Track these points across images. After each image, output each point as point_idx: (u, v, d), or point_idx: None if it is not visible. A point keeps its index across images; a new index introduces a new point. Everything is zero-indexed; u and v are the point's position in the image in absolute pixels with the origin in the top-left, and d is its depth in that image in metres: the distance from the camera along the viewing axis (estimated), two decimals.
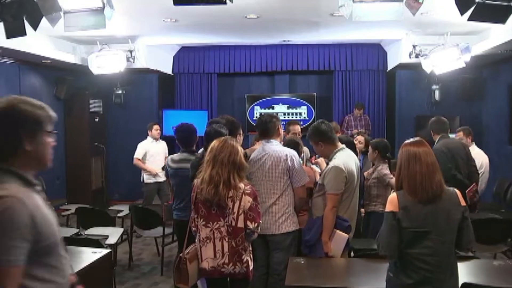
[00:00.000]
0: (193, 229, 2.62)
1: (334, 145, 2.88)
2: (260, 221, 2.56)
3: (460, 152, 3.74)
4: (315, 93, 7.89)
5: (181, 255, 2.60)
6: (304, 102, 7.86)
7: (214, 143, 2.56)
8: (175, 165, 3.39)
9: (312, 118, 7.79)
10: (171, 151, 5.58)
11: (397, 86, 7.21)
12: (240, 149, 2.57)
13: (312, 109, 7.87)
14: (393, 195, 2.01)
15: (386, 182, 3.69)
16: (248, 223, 2.49)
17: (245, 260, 2.51)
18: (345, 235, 2.69)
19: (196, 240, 2.60)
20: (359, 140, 4.39)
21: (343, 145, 2.94)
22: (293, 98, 7.91)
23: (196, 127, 3.51)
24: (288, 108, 7.83)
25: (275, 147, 3.01)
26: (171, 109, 7.76)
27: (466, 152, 3.82)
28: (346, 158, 2.81)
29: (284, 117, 7.67)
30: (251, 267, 2.56)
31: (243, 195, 2.48)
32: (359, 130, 6.90)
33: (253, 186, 2.60)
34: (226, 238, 2.48)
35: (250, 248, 2.59)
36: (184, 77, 7.98)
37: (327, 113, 7.74)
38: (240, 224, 2.48)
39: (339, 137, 3.04)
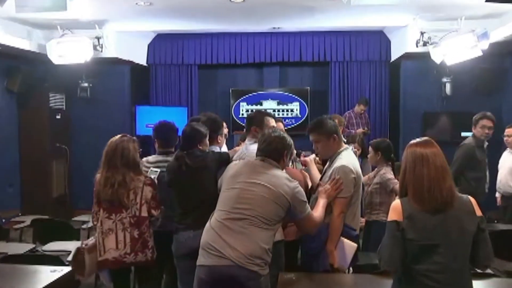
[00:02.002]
0: (94, 223, 3.03)
1: (341, 144, 2.90)
2: (162, 207, 3.03)
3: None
4: (308, 88, 7.98)
5: (79, 246, 2.95)
6: (296, 97, 7.94)
7: (107, 147, 2.96)
8: (157, 170, 3.40)
9: (305, 116, 7.91)
10: (145, 153, 5.54)
11: (402, 79, 7.24)
12: (132, 147, 2.96)
13: (306, 105, 7.94)
14: (396, 202, 2.00)
15: (389, 188, 3.70)
16: (153, 211, 2.99)
17: (150, 246, 2.98)
18: (354, 245, 2.69)
19: (97, 233, 2.97)
20: (356, 148, 4.43)
21: (348, 146, 2.97)
22: (284, 93, 7.99)
23: (177, 127, 3.53)
24: (278, 104, 7.93)
25: (252, 145, 3.02)
26: (145, 105, 7.79)
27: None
28: (352, 159, 2.84)
29: (274, 114, 7.59)
30: (155, 254, 3.00)
31: (144, 186, 2.96)
32: (365, 130, 7.03)
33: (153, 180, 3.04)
34: (129, 229, 2.91)
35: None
36: (160, 69, 8.01)
37: (322, 110, 7.77)
38: (144, 213, 2.95)
39: None
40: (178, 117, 6.75)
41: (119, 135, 3.06)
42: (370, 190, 3.78)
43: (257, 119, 3.15)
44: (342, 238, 2.69)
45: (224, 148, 3.53)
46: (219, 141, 3.37)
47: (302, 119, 7.90)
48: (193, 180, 2.91)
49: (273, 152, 2.58)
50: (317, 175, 3.02)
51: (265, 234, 2.37)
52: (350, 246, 2.68)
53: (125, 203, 2.90)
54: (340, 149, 2.86)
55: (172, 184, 3.02)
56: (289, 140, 2.63)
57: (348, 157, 2.81)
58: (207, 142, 3.12)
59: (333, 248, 2.67)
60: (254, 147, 2.91)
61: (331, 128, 2.85)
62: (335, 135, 2.85)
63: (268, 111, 6.77)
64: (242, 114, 7.80)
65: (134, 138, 3.10)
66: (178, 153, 3.00)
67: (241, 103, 8.04)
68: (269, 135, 2.61)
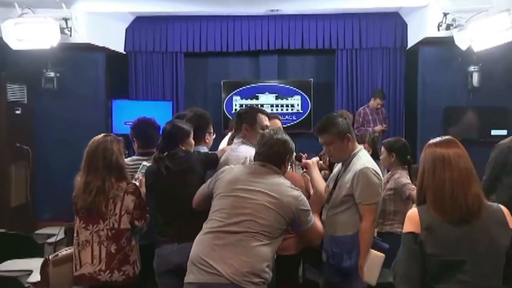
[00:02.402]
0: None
1: (355, 144, 2.95)
2: (148, 216, 3.01)
3: None
4: (311, 79, 7.98)
5: (47, 256, 2.98)
6: (297, 90, 7.95)
7: (88, 148, 2.98)
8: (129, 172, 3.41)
9: (308, 112, 7.93)
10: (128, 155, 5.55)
11: (421, 68, 7.19)
12: (116, 148, 2.97)
13: (308, 99, 7.95)
14: (413, 211, 2.00)
15: (405, 195, 3.73)
16: (136, 222, 2.98)
17: (132, 260, 2.98)
18: (381, 255, 2.74)
19: (74, 244, 2.99)
20: (366, 149, 4.40)
21: (361, 146, 3.01)
22: (284, 86, 7.99)
23: (158, 124, 3.55)
24: (276, 98, 7.94)
25: (245, 149, 3.07)
26: (123, 98, 7.75)
27: None
28: (372, 161, 2.90)
29: (272, 110, 7.74)
30: (138, 269, 3.00)
31: (125, 195, 2.95)
32: (384, 127, 7.15)
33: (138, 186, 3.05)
34: (105, 243, 2.91)
35: (138, 248, 3.04)
36: (141, 57, 7.99)
37: (327, 105, 7.81)
38: (124, 225, 2.95)
39: None
40: (161, 113, 6.74)
41: (102, 134, 3.05)
42: (383, 197, 3.72)
43: (250, 116, 3.17)
44: (370, 249, 2.75)
45: (223, 143, 3.60)
46: (207, 140, 3.38)
47: (304, 116, 7.92)
48: (175, 185, 2.92)
49: (274, 157, 2.63)
50: (320, 180, 3.05)
51: (266, 249, 2.41)
52: (378, 257, 2.73)
53: (103, 213, 2.91)
54: (356, 150, 2.90)
55: (151, 191, 3.04)
56: (292, 144, 2.69)
57: (367, 158, 2.86)
58: (192, 141, 3.14)
59: (363, 263, 2.73)
60: (243, 149, 3.02)
61: (344, 126, 2.89)
62: (349, 135, 2.89)
63: (265, 106, 7.44)
64: (235, 110, 7.77)
65: (120, 138, 3.12)
66: (157, 155, 3.02)
67: (234, 97, 8.02)
68: (270, 138, 2.66)
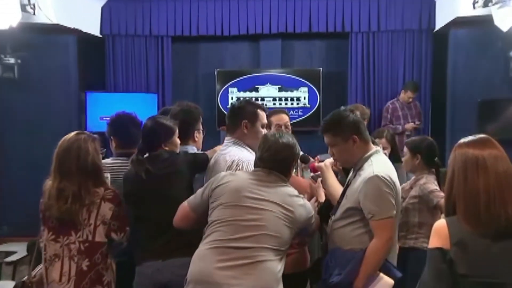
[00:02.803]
0: (41, 245, 3.02)
1: (367, 145, 2.93)
2: (128, 228, 3.00)
3: None
4: (320, 68, 7.93)
5: (25, 279, 3.03)
6: (304, 81, 7.91)
7: (58, 149, 2.96)
8: (108, 176, 3.40)
9: (316, 106, 7.90)
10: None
11: (451, 54, 7.12)
12: (92, 147, 2.96)
13: (317, 92, 7.92)
14: (441, 223, 2.00)
15: (432, 203, 3.70)
16: (113, 234, 2.97)
17: (106, 282, 2.95)
18: (391, 282, 2.72)
19: (42, 260, 2.97)
20: (384, 146, 4.44)
21: (378, 147, 2.99)
22: (288, 76, 7.96)
23: (140, 120, 3.55)
24: (279, 90, 7.93)
25: (235, 151, 3.10)
26: (99, 90, 7.74)
27: None
28: (385, 165, 2.86)
29: (274, 105, 7.75)
30: None
31: (102, 202, 2.94)
32: (417, 124, 7.17)
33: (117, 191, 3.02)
34: (75, 258, 2.89)
35: (114, 267, 3.03)
36: (120, 42, 7.92)
37: (339, 97, 7.78)
38: (99, 237, 2.93)
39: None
40: (144, 107, 6.83)
41: (74, 132, 3.04)
42: (406, 206, 3.76)
43: (250, 111, 3.19)
44: (380, 273, 2.73)
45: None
46: (196, 138, 3.41)
47: (312, 111, 7.89)
48: (159, 191, 2.95)
49: (281, 164, 2.73)
50: (336, 185, 3.08)
51: (276, 265, 2.52)
52: (387, 284, 2.72)
53: (78, 223, 2.90)
54: (368, 153, 2.87)
55: (130, 199, 3.06)
56: (298, 147, 2.79)
57: (379, 164, 2.81)
58: (177, 140, 3.16)
59: (361, 285, 2.70)
60: (232, 152, 3.04)
61: (349, 125, 2.87)
62: (355, 136, 2.86)
63: (266, 100, 7.54)
64: (232, 104, 7.63)
65: (95, 136, 3.13)
66: (135, 157, 3.04)
67: (230, 89, 7.98)
68: (275, 141, 2.72)
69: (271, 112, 4.15)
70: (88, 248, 2.90)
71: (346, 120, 2.85)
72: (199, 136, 3.44)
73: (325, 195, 3.16)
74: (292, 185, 2.79)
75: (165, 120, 3.13)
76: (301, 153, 3.03)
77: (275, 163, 2.70)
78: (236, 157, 3.01)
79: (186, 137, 3.30)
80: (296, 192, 2.70)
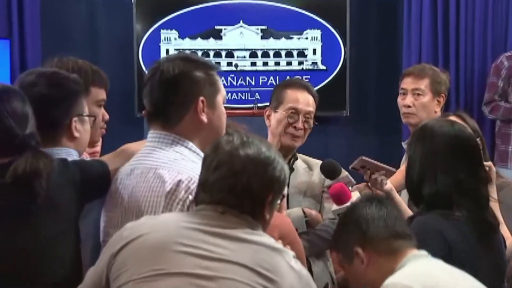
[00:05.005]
0: None
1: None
2: None
3: None
4: None
5: None
6: (315, 17, 5.86)
7: None
8: None
9: (339, 67, 5.74)
10: None
11: None
12: None
13: (339, 40, 5.74)
14: None
15: None
16: None
17: None
18: None
19: None
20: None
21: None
22: (283, 7, 5.94)
23: None
24: (264, 36, 5.78)
25: (183, 161, 2.29)
26: None
27: None
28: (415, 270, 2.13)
29: (254, 66, 5.80)
30: None
31: None
32: None
33: None
34: None
35: None
36: None
37: (384, 53, 5.87)
38: None
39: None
40: None
41: None
42: None
43: (211, 79, 2.30)
44: None
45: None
46: (76, 134, 2.45)
47: (330, 78, 5.62)
48: (6, 239, 2.23)
49: (246, 196, 1.95)
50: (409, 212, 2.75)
51: None
52: None
53: None
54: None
55: None
56: (281, 165, 1.97)
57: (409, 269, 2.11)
58: (36, 136, 2.34)
59: None
60: (182, 165, 2.24)
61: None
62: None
63: (239, 58, 6.15)
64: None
65: None
66: None
67: (162, 32, 5.81)
68: (233, 152, 1.98)
69: (285, 82, 3.49)
70: None
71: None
72: (81, 128, 2.41)
73: None
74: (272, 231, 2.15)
75: (16, 100, 2.25)
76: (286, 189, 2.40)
77: (232, 194, 1.90)
78: (184, 174, 2.13)
79: (54, 132, 2.34)
80: (278, 245, 1.95)
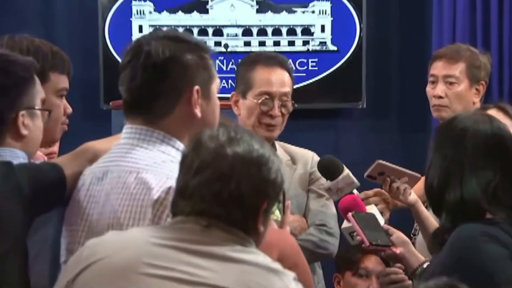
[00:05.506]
0: None
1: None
2: None
3: None
4: None
5: None
6: None
7: None
8: None
9: (352, 49, 5.44)
10: None
11: None
12: None
13: (354, 14, 5.38)
14: None
15: None
16: None
17: None
18: None
19: None
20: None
21: None
22: None
23: None
24: (260, 9, 5.50)
25: (171, 163, 2.13)
26: None
27: None
28: None
29: (248, 47, 5.44)
30: None
31: None
32: None
33: None
34: None
35: None
36: None
37: (407, 30, 5.49)
38: None
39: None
40: None
41: None
42: None
43: (195, 64, 2.16)
44: None
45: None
46: (23, 131, 2.36)
47: (342, 61, 5.25)
48: None
49: (233, 204, 1.83)
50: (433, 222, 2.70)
51: None
52: None
53: None
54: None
55: None
56: (276, 165, 1.83)
57: None
58: None
59: None
60: (170, 168, 2.05)
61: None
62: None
63: (229, 36, 5.87)
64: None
65: None
66: None
67: (135, 4, 5.39)
68: (218, 150, 1.85)
69: (251, 59, 3.35)
70: None
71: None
72: (32, 123, 2.32)
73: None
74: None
75: None
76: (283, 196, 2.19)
77: (217, 202, 1.75)
78: (175, 179, 1.93)
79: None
80: (275, 264, 1.75)
